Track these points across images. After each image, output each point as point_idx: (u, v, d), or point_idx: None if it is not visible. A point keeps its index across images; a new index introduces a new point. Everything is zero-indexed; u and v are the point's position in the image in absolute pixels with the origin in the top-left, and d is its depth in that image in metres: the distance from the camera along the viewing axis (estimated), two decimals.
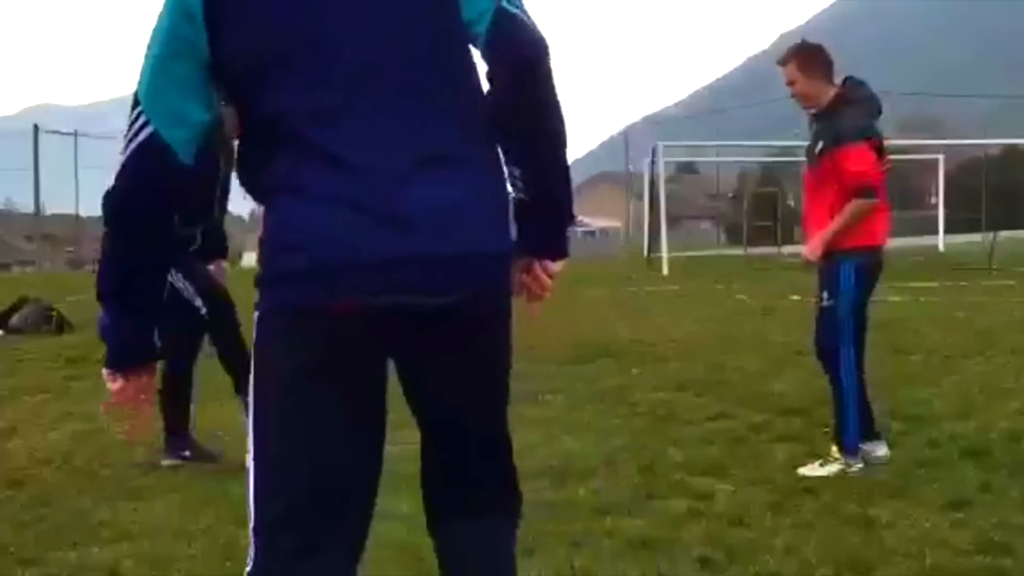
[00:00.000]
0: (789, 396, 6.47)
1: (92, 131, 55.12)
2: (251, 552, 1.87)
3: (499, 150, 1.93)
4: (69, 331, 11.72)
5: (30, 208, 45.87)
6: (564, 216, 2.03)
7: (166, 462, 5.09)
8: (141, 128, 1.83)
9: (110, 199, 1.89)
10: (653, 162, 29.29)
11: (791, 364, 7.98)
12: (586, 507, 4.20)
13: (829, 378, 4.79)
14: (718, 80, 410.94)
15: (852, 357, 4.67)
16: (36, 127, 44.68)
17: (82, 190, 51.20)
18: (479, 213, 1.85)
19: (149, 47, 1.83)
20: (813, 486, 4.43)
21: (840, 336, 4.66)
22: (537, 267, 2.07)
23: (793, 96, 4.76)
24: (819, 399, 6.33)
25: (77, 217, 54.37)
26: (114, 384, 1.98)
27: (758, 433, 5.57)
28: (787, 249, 34.37)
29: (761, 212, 45.24)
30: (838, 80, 4.76)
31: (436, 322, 1.86)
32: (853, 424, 4.68)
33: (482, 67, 1.91)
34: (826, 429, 5.59)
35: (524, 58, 1.88)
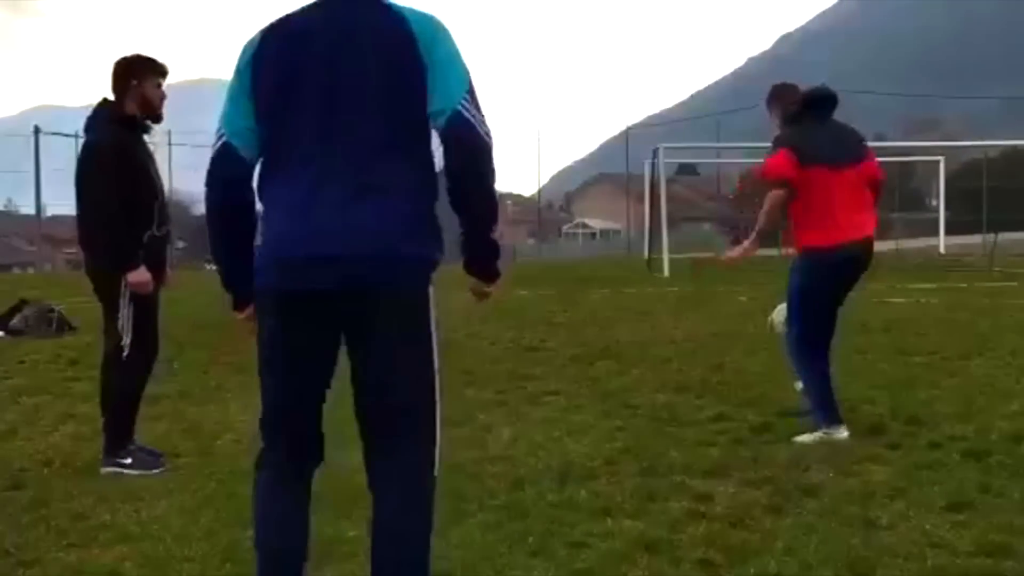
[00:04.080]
0: (789, 397, 6.46)
1: None
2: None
3: (435, 193, 2.66)
4: (70, 332, 11.72)
5: (31, 209, 45.85)
6: (490, 259, 2.78)
7: (105, 470, 5.04)
8: (219, 138, 2.73)
9: (207, 183, 2.77)
10: (654, 163, 29.29)
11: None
12: (587, 508, 4.20)
13: None
14: (719, 81, 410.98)
15: (794, 336, 5.58)
16: (37, 128, 44.68)
17: None
18: (394, 231, 2.56)
19: (227, 91, 2.75)
20: (814, 487, 4.43)
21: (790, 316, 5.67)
22: (476, 283, 2.84)
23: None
24: None
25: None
26: (240, 315, 2.91)
27: (758, 434, 5.57)
28: (788, 250, 34.43)
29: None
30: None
31: (356, 302, 2.59)
32: (814, 398, 5.50)
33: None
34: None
35: (467, 158, 2.61)
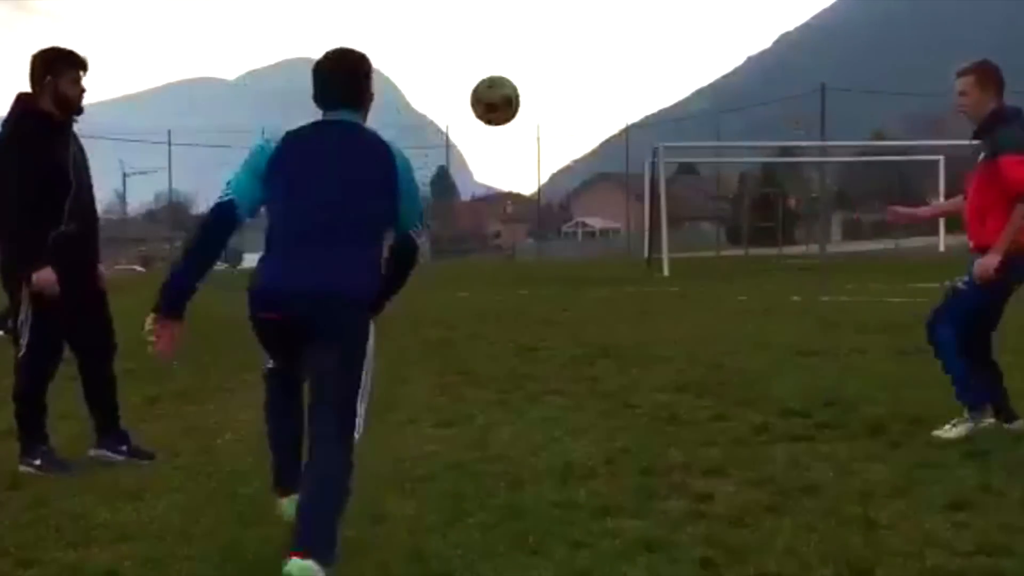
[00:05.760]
0: (790, 397, 6.47)
1: (92, 132, 55.13)
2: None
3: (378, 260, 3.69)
4: None
5: None
6: (384, 303, 3.85)
7: (23, 468, 5.02)
8: (227, 194, 3.68)
9: (202, 219, 3.79)
10: (654, 163, 29.30)
11: (791, 365, 7.99)
12: (587, 508, 4.20)
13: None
14: (719, 80, 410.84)
15: (950, 335, 5.44)
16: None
17: None
18: (347, 278, 3.55)
19: (246, 162, 3.74)
20: (813, 487, 4.44)
21: (948, 314, 5.47)
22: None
23: (960, 107, 5.40)
24: (819, 400, 6.34)
25: None
26: (155, 327, 3.64)
27: (758, 434, 5.57)
28: (788, 250, 34.40)
29: (762, 213, 45.24)
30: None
31: (314, 324, 3.52)
32: (959, 387, 5.45)
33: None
34: (826, 429, 5.61)
35: (406, 261, 3.88)
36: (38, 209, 4.87)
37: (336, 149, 3.68)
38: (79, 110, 5.06)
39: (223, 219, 3.67)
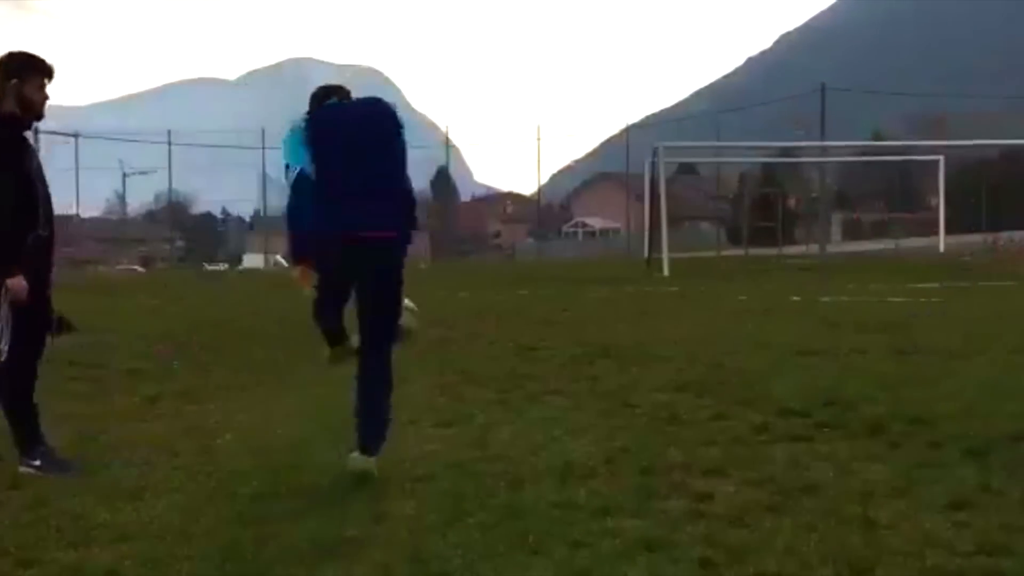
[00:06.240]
0: (789, 397, 6.47)
1: (92, 132, 55.14)
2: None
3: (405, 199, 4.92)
4: (70, 332, 11.70)
5: None
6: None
7: (22, 469, 5.00)
8: (296, 168, 4.77)
9: (296, 192, 4.82)
10: (654, 163, 29.31)
11: (791, 365, 7.99)
12: (587, 508, 4.20)
13: None
14: (718, 80, 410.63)
15: None
16: (37, 128, 44.67)
17: (82, 191, 51.24)
18: (389, 217, 4.79)
19: (292, 138, 4.82)
20: (813, 486, 4.44)
21: None
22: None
23: None
24: (819, 399, 6.34)
25: (77, 218, 54.37)
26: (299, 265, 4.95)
27: (758, 434, 5.57)
28: (788, 250, 34.36)
29: (762, 213, 45.21)
30: None
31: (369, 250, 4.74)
32: None
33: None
34: (826, 429, 5.61)
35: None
36: (17, 213, 4.86)
37: (358, 119, 4.88)
38: (40, 116, 5.08)
39: (301, 187, 4.74)
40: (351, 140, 4.76)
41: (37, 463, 5.01)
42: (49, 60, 5.06)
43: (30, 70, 4.99)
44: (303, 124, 4.81)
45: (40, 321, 5.09)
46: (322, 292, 4.94)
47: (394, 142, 4.85)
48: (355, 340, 4.96)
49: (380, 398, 4.75)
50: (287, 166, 4.85)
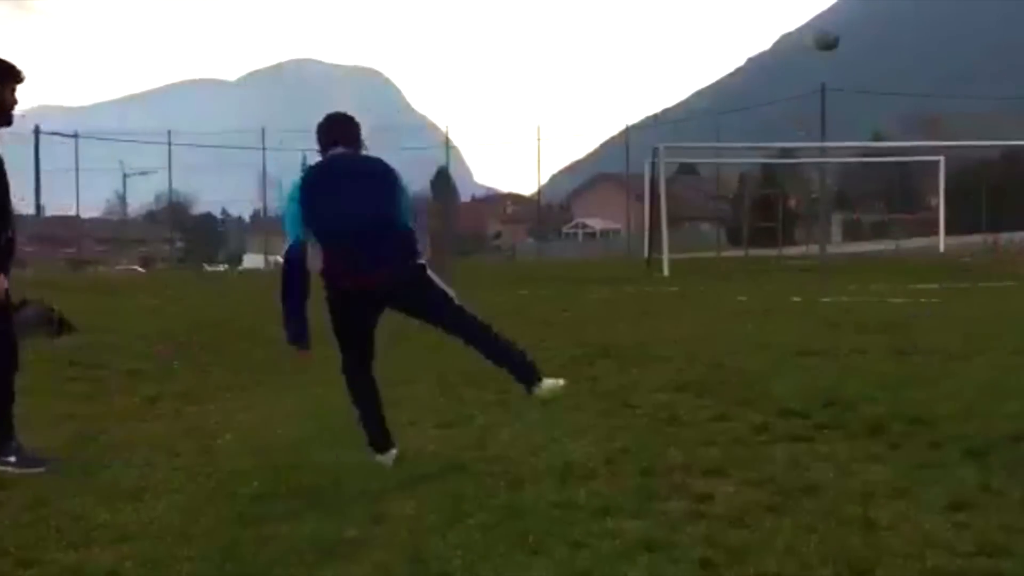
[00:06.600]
0: (789, 397, 6.47)
1: (92, 132, 55.11)
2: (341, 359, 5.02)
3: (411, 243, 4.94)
4: (70, 332, 11.71)
5: (31, 210, 45.89)
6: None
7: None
8: (293, 241, 4.79)
9: (286, 262, 4.87)
10: (654, 163, 29.31)
11: (791, 365, 7.99)
12: (587, 508, 4.20)
13: None
14: (719, 81, 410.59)
15: None
16: (37, 128, 44.73)
17: (82, 191, 51.21)
18: (397, 260, 4.82)
19: (289, 208, 4.82)
20: (813, 487, 4.44)
21: None
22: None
23: None
24: (819, 400, 6.34)
25: (77, 218, 54.39)
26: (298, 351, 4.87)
27: (758, 434, 5.57)
28: (788, 251, 34.35)
29: (762, 213, 45.19)
30: None
31: (392, 292, 4.89)
32: None
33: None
34: (826, 429, 5.62)
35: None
36: None
37: (354, 174, 4.86)
38: (9, 120, 5.15)
39: (296, 260, 4.78)
40: (348, 190, 4.76)
41: (12, 459, 5.03)
42: (19, 66, 5.15)
43: (5, 76, 5.07)
44: (300, 184, 4.81)
45: (8, 322, 5.15)
46: (344, 350, 4.98)
47: (393, 190, 4.85)
48: (394, 453, 4.96)
49: (503, 345, 5.06)
50: (283, 221, 4.89)
